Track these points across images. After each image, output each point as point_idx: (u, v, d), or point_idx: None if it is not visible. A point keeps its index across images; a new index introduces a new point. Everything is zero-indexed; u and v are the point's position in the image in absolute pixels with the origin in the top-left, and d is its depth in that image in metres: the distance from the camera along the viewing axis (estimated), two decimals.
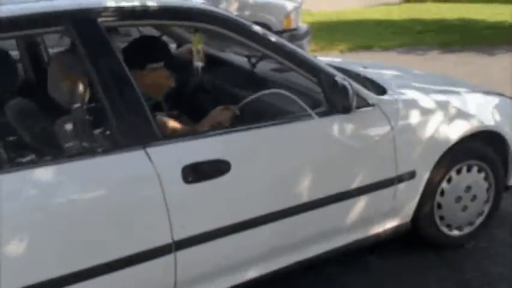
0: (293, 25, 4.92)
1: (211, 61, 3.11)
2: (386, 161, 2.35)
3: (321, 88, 2.24)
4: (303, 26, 5.26)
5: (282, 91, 2.21)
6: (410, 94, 2.56)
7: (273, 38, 2.24)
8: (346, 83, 2.16)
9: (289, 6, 4.97)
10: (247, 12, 4.71)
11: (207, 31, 2.30)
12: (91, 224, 1.77)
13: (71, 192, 1.75)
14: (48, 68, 2.27)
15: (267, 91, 2.25)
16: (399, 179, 2.39)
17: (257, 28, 2.20)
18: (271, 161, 2.11)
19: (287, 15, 4.87)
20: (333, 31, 10.80)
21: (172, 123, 2.29)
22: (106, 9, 1.93)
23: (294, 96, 2.18)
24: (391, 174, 2.36)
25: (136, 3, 2.02)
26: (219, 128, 2.19)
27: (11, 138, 2.16)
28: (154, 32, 3.12)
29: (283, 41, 2.28)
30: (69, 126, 2.11)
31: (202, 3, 2.26)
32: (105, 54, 1.88)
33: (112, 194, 1.81)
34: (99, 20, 1.90)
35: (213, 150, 1.98)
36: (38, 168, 1.76)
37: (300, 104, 2.17)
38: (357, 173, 2.28)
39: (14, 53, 2.82)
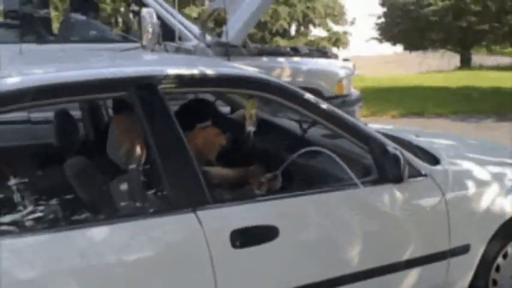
0: (345, 91, 4.97)
1: (264, 125, 3.19)
2: (439, 233, 2.29)
3: (372, 156, 2.24)
4: (355, 93, 5.31)
5: (323, 149, 2.22)
6: (464, 165, 2.51)
7: (324, 105, 2.27)
8: (397, 152, 2.15)
9: (342, 72, 5.04)
10: (300, 79, 4.79)
11: (261, 98, 2.37)
12: (139, 285, 1.79)
13: (122, 252, 1.79)
14: (109, 129, 2.38)
15: (305, 149, 2.26)
16: (452, 253, 2.31)
17: (309, 96, 2.25)
18: (319, 228, 2.10)
19: (339, 81, 4.93)
20: (385, 97, 10.83)
21: (217, 170, 2.33)
22: (167, 76, 2.03)
23: (340, 162, 2.18)
24: (443, 247, 2.29)
25: (195, 71, 2.12)
26: (262, 187, 2.21)
27: (68, 196, 2.25)
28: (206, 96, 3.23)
29: (334, 108, 2.31)
30: (124, 187, 2.19)
31: (256, 71, 2.35)
32: (163, 119, 1.96)
33: (161, 256, 1.84)
34: (160, 86, 1.99)
35: (262, 215, 2.00)
36: (91, 228, 1.82)
37: (347, 171, 2.16)
38: (407, 245, 2.22)
39: (76, 113, 2.98)
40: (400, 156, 2.13)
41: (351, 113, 4.82)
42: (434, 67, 19.29)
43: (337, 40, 15.68)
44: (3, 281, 1.63)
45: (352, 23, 17.79)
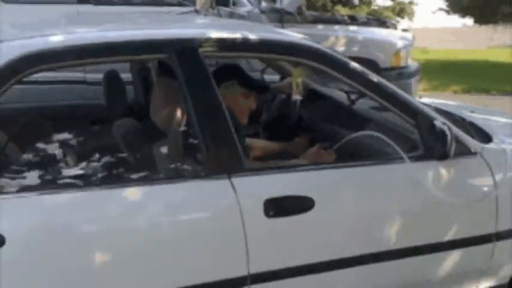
0: (402, 63, 4.79)
1: (312, 95, 3.12)
2: (486, 215, 2.18)
3: (418, 131, 2.14)
4: (413, 65, 5.10)
5: (376, 133, 2.14)
6: None
7: (371, 76, 2.18)
8: (445, 128, 2.04)
9: (399, 43, 4.85)
10: (355, 48, 4.66)
11: (308, 66, 2.30)
12: (169, 248, 1.81)
13: (155, 214, 1.81)
14: (152, 92, 2.39)
15: (360, 133, 2.20)
16: (498, 236, 2.20)
17: (355, 66, 2.17)
18: (357, 202, 2.04)
19: (396, 52, 4.75)
20: (448, 71, 10.42)
21: (260, 142, 2.28)
22: (208, 40, 2.00)
23: (387, 139, 2.10)
24: (489, 230, 2.18)
25: (237, 35, 2.07)
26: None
27: (114, 155, 2.29)
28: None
29: (381, 80, 2.22)
30: (164, 150, 2.20)
31: (304, 38, 2.28)
32: (202, 84, 1.94)
33: (193, 220, 1.85)
34: (201, 50, 1.96)
35: (298, 185, 1.96)
36: (128, 188, 1.84)
37: (393, 146, 2.08)
38: (451, 225, 2.14)
39: (126, 76, 3.01)
40: (447, 131, 2.03)
41: (407, 85, 4.67)
42: (505, 42, 18.33)
43: (402, 10, 15.10)
44: (44, 233, 1.68)
45: None
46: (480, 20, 19.98)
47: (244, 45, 2.07)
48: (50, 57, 1.82)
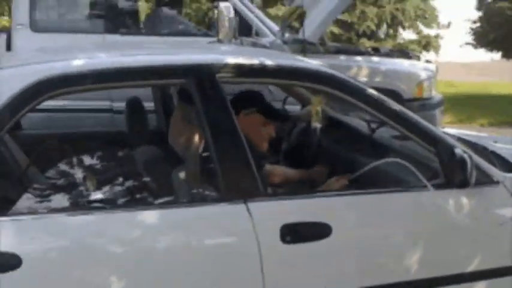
0: (425, 94, 4.76)
1: (332, 124, 3.12)
2: (507, 246, 2.11)
3: (438, 159, 2.11)
4: (437, 96, 5.07)
5: (397, 160, 2.11)
6: None
7: (390, 104, 2.16)
8: (465, 155, 2.01)
9: (422, 74, 4.84)
10: (377, 79, 4.65)
11: (326, 93, 2.31)
12: (185, 272, 1.80)
13: (169, 238, 1.81)
14: (171, 118, 2.42)
15: (380, 161, 2.17)
16: None
17: (373, 93, 2.16)
18: (377, 230, 2.00)
19: (419, 83, 4.74)
20: (475, 104, 10.31)
21: (280, 169, 2.28)
22: (225, 65, 2.02)
23: (409, 165, 2.07)
24: (510, 262, 2.11)
25: (254, 61, 2.09)
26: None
27: (133, 181, 2.30)
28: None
29: (401, 107, 2.20)
30: (182, 175, 2.21)
31: (321, 65, 2.28)
32: (219, 109, 1.95)
33: (209, 245, 1.84)
34: (218, 75, 1.98)
35: (315, 212, 1.94)
36: (145, 211, 1.85)
37: (415, 173, 2.05)
38: (471, 256, 2.08)
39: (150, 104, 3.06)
40: (468, 159, 1.99)
41: (431, 116, 4.62)
42: None
43: (428, 43, 15.09)
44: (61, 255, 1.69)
45: (447, 26, 17.05)
46: (508, 54, 19.84)
47: (261, 71, 2.08)
48: (70, 81, 1.85)
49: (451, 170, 2.03)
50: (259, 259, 1.83)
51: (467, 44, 19.22)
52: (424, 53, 15.45)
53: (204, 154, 2.09)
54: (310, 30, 4.65)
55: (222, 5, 4.06)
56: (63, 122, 4.29)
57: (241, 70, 2.06)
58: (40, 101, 1.80)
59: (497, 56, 20.54)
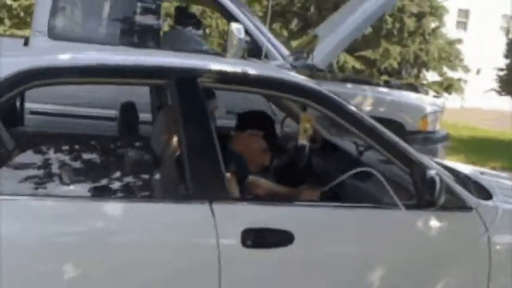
0: (429, 127, 4.76)
1: (324, 144, 3.14)
2: (476, 273, 2.09)
3: (412, 180, 2.11)
4: (441, 131, 5.06)
5: (370, 169, 2.13)
6: None
7: (372, 123, 2.18)
8: (436, 177, 2.01)
9: (428, 108, 4.84)
10: (382, 109, 4.67)
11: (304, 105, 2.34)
12: (143, 265, 1.82)
13: (132, 231, 1.84)
14: (155, 121, 2.47)
15: (352, 171, 2.19)
16: None
17: (355, 111, 2.18)
18: (339, 243, 2.00)
19: (424, 116, 4.74)
20: (490, 148, 10.22)
21: (264, 182, 2.32)
22: (208, 71, 2.08)
23: (384, 181, 2.08)
24: None
25: (237, 70, 2.14)
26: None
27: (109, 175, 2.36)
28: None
29: (381, 128, 2.22)
30: (157, 176, 2.26)
31: (306, 80, 2.32)
32: (195, 112, 2.00)
33: (170, 241, 1.86)
34: (199, 79, 2.03)
35: (279, 219, 1.95)
36: (110, 203, 1.89)
37: (389, 191, 2.06)
38: (437, 279, 2.05)
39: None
40: (437, 181, 1.99)
41: (433, 150, 4.60)
42: None
43: (450, 86, 15.03)
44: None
45: (477, 72, 16.88)
46: None
47: (242, 80, 2.13)
48: (52, 73, 1.92)
49: (421, 190, 2.04)
50: (218, 260, 1.84)
51: (492, 89, 19.04)
52: (446, 95, 15.38)
53: (179, 154, 2.13)
54: (320, 56, 4.69)
55: (233, 25, 4.13)
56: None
57: (223, 77, 2.10)
58: (22, 89, 1.88)
59: None
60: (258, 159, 2.51)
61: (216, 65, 2.13)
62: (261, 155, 2.51)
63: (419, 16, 14.71)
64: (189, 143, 1.95)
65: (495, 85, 19.03)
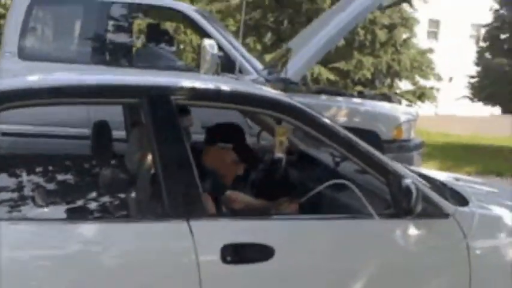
0: (404, 136, 4.81)
1: (301, 157, 3.15)
2: (457, 281, 2.10)
3: (388, 189, 2.12)
4: (416, 139, 5.12)
5: (344, 181, 2.13)
6: (498, 211, 2.31)
7: (346, 134, 2.19)
8: (412, 185, 2.02)
9: (402, 117, 4.90)
10: (356, 119, 4.71)
11: (287, 122, 2.34)
12: (122, 286, 1.79)
13: (110, 251, 1.81)
14: (129, 140, 2.45)
15: (327, 183, 2.20)
16: None
17: (329, 123, 2.19)
18: (320, 255, 2.00)
19: (398, 125, 4.79)
20: (465, 154, 10.37)
21: (242, 196, 2.31)
22: (180, 88, 2.07)
23: (358, 192, 2.09)
24: None
25: (210, 86, 2.14)
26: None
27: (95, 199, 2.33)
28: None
29: (356, 139, 2.23)
30: (133, 195, 2.23)
31: (279, 94, 2.33)
32: (169, 130, 1.98)
33: (149, 260, 1.83)
34: (172, 97, 2.02)
35: (258, 233, 1.94)
36: (87, 224, 1.86)
37: (363, 201, 2.07)
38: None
39: None
40: (413, 189, 2.00)
41: (408, 158, 4.65)
42: None
43: (422, 94, 15.26)
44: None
45: (449, 80, 17.13)
46: (506, 109, 19.96)
47: (215, 95, 2.12)
48: (25, 95, 1.90)
49: (397, 199, 2.05)
50: (198, 277, 1.82)
51: (464, 97, 19.38)
52: (420, 103, 15.58)
53: (153, 173, 2.11)
54: (293, 69, 4.71)
55: (206, 42, 4.14)
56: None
57: (196, 93, 2.10)
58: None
59: (497, 110, 20.67)
60: (232, 171, 2.50)
61: (189, 81, 2.13)
62: (234, 167, 2.49)
63: (391, 27, 14.92)
64: (163, 161, 1.94)
65: (467, 92, 19.39)
